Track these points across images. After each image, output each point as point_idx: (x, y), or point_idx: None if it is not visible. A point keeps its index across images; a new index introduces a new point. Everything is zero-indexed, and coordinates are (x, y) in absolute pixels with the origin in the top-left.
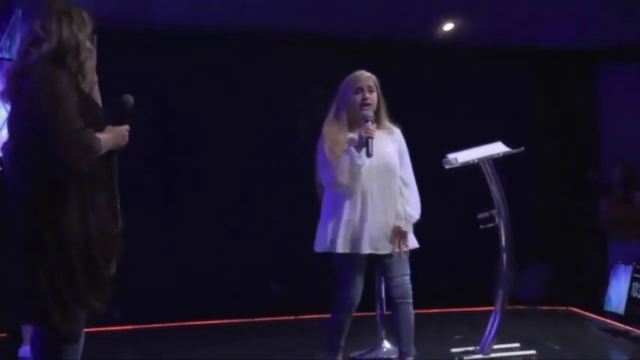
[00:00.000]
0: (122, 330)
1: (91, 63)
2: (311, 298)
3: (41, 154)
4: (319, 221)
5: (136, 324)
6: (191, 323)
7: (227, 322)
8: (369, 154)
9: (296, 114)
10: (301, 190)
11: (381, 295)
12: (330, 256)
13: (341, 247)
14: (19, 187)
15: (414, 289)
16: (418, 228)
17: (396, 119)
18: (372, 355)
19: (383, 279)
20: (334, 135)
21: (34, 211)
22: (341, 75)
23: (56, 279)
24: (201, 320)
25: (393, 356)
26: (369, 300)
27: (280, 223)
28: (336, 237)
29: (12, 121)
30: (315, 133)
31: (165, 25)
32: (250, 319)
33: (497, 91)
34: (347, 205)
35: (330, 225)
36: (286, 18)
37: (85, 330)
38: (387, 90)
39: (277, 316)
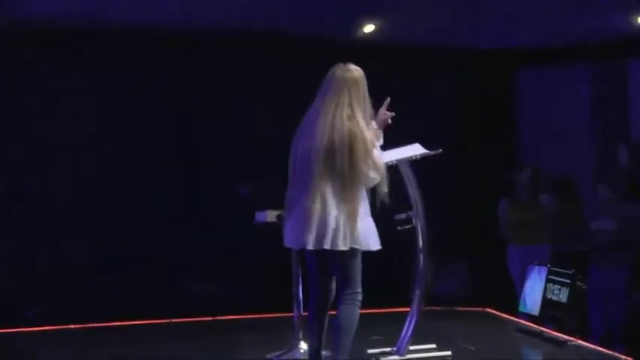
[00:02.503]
0: (38, 331)
1: None
2: (229, 299)
3: None
4: (368, 220)
5: (53, 324)
6: (109, 324)
7: (145, 323)
8: None
9: (228, 113)
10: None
11: (298, 296)
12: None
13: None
14: None
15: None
16: None
17: None
18: (289, 355)
19: (300, 279)
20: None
21: None
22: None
23: None
24: (119, 321)
25: None
26: (287, 301)
27: (200, 223)
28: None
29: None
30: (244, 133)
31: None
32: (168, 320)
33: (419, 91)
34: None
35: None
36: (210, 14)
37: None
38: (307, 89)
39: (195, 317)
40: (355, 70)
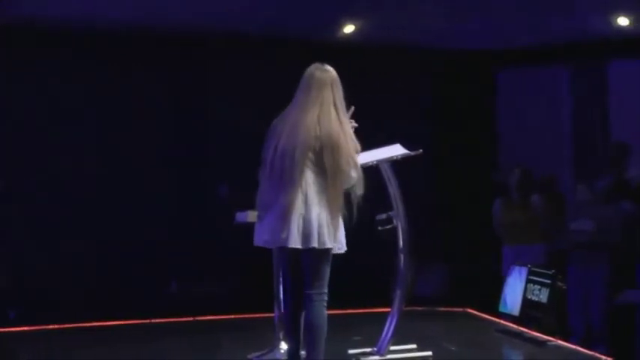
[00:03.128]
0: (18, 331)
1: None
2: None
3: None
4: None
5: (33, 325)
6: (90, 324)
7: (125, 324)
8: None
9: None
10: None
11: (279, 296)
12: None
13: None
14: None
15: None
16: None
17: None
18: (270, 356)
19: (281, 279)
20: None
21: None
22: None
23: None
24: (99, 321)
25: None
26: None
27: (180, 223)
28: None
29: None
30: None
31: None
32: (148, 321)
33: (398, 91)
34: None
35: None
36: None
37: None
38: (289, 91)
39: (176, 317)
40: (333, 71)
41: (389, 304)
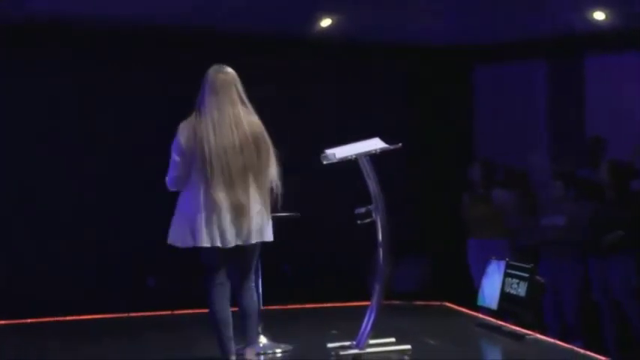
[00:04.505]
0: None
1: None
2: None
3: None
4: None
5: (6, 319)
6: (65, 318)
7: (102, 317)
8: None
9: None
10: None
11: (258, 290)
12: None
13: None
14: None
15: (291, 284)
16: (296, 223)
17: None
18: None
19: (260, 273)
20: None
21: None
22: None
23: None
24: (74, 315)
25: (269, 351)
26: None
27: (157, 214)
28: None
29: None
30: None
31: None
32: (126, 314)
33: (376, 87)
34: None
35: None
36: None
37: None
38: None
39: (152, 311)
40: (233, 71)
41: (364, 298)
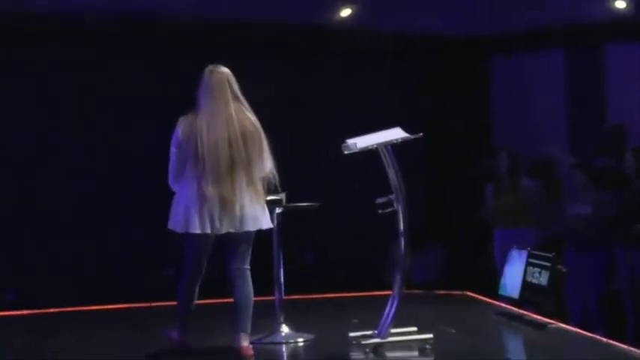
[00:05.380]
0: (14, 315)
1: None
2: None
3: None
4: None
5: (30, 309)
6: (88, 308)
7: (125, 307)
8: None
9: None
10: None
11: (279, 280)
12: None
13: None
14: None
15: (311, 274)
16: (317, 213)
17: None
18: (270, 339)
19: (282, 262)
20: None
21: None
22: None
23: None
24: (98, 305)
25: (291, 340)
26: (268, 285)
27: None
28: None
29: None
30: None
31: None
32: (149, 304)
33: (394, 76)
34: None
35: None
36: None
37: None
38: (279, 77)
39: (172, 301)
40: (227, 69)
41: (385, 288)
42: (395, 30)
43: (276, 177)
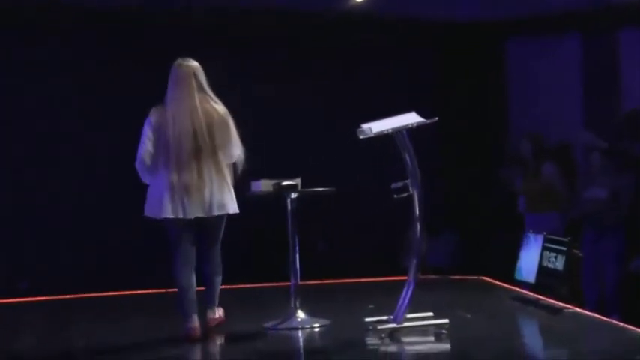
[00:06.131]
0: (30, 301)
1: None
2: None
3: None
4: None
5: (46, 295)
6: (104, 294)
7: (139, 293)
8: None
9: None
10: None
11: (295, 266)
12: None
13: None
14: None
15: (326, 259)
16: (332, 198)
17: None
18: (286, 324)
19: (297, 248)
20: None
21: None
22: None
23: None
24: (113, 291)
25: (307, 326)
26: (284, 270)
27: None
28: None
29: None
30: None
31: None
32: (164, 290)
33: (410, 62)
34: None
35: None
36: None
37: None
38: (299, 63)
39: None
40: (194, 62)
41: (399, 273)
42: (410, 15)
43: (243, 163)
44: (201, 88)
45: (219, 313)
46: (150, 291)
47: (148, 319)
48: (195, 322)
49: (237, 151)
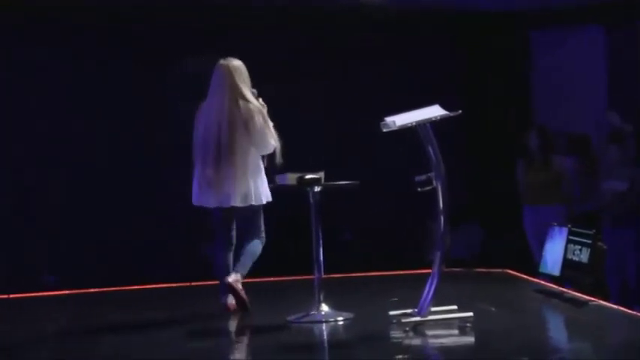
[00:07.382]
0: (58, 295)
1: None
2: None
3: None
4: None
5: (73, 289)
6: (129, 288)
7: (165, 287)
8: None
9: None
10: None
11: (319, 259)
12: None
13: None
14: None
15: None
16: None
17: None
18: (309, 318)
19: (321, 242)
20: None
21: None
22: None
23: None
24: (139, 285)
25: (331, 319)
26: (307, 263)
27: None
28: None
29: None
30: None
31: None
32: (188, 284)
33: (432, 53)
34: None
35: None
36: None
37: (20, 295)
38: (320, 55)
39: (212, 280)
40: (235, 60)
41: (423, 266)
42: (434, 5)
43: (279, 156)
44: (233, 87)
45: (236, 277)
46: (174, 285)
47: (173, 313)
48: (230, 299)
49: (268, 144)
